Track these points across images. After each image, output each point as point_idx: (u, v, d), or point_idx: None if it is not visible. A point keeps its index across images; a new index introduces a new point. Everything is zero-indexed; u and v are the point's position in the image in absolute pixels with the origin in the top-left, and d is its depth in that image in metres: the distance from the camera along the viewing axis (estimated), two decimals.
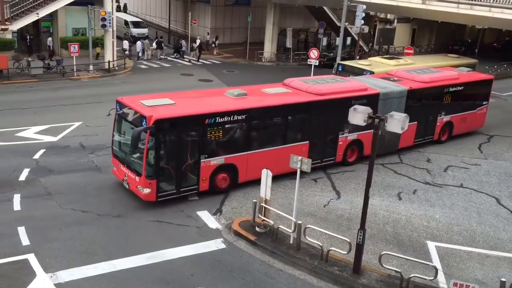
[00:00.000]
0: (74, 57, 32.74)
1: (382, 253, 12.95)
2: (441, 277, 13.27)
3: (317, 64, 30.33)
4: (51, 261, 12.87)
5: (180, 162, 16.24)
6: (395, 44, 52.36)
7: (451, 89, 23.43)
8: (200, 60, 42.52)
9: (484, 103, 25.70)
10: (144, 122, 15.33)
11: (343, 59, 37.76)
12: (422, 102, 22.42)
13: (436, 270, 12.38)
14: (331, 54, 42.03)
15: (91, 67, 34.89)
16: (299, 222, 13.80)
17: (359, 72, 25.71)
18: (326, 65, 38.41)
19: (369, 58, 31.96)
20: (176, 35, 51.19)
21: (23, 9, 33.19)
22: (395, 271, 12.68)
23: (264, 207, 14.50)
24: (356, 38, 41.76)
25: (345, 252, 13.15)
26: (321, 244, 13.64)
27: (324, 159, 19.78)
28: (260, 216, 14.64)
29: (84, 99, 27.73)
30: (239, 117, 17.03)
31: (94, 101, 27.07)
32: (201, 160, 16.48)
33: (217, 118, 16.48)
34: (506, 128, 27.73)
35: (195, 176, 16.59)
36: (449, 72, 24.77)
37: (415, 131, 22.43)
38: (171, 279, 12.59)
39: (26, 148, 20.14)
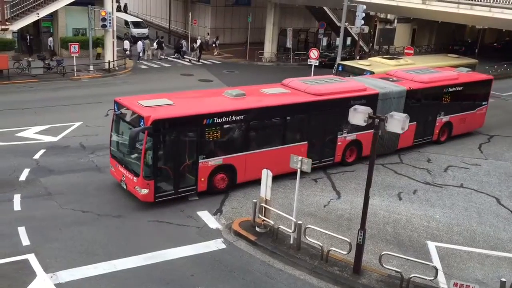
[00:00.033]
0: (75, 57, 32.75)
1: (382, 253, 12.95)
2: (441, 277, 13.27)
3: (317, 64, 30.33)
4: (51, 261, 12.87)
5: (178, 163, 16.20)
6: (395, 44, 52.40)
7: (450, 89, 23.41)
8: (200, 60, 42.51)
9: (483, 103, 25.67)
10: (142, 123, 15.29)
11: (344, 59, 37.81)
12: (421, 102, 22.38)
13: (436, 270, 12.38)
14: (332, 54, 42.03)
15: (91, 67, 34.91)
16: (299, 222, 13.80)
17: (359, 72, 25.71)
18: (327, 65, 38.42)
19: (369, 58, 31.97)
20: (176, 35, 51.20)
21: (23, 9, 33.25)
22: (395, 271, 12.68)
23: (264, 207, 14.50)
24: (356, 38, 41.77)
25: (345, 252, 13.15)
26: (321, 244, 13.64)
27: (322, 159, 19.76)
28: (260, 216, 14.64)
29: (84, 99, 27.74)
30: (238, 118, 16.99)
31: (94, 101, 27.07)
32: (199, 161, 16.44)
33: (215, 118, 16.45)
34: (506, 128, 27.72)
35: (193, 176, 16.55)
36: (449, 72, 24.74)
37: (414, 132, 22.39)
38: (171, 279, 12.59)
39: (26, 148, 20.15)
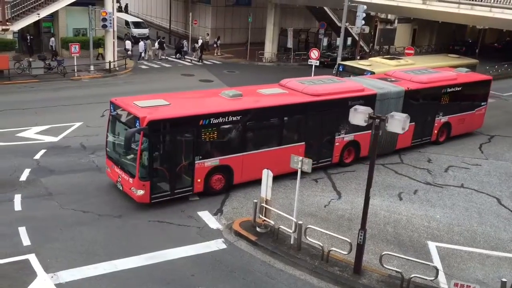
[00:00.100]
0: (75, 57, 32.76)
1: (383, 253, 12.95)
2: (441, 278, 13.26)
3: (317, 64, 30.32)
4: (52, 261, 12.88)
5: (174, 164, 16.11)
6: (396, 44, 52.41)
7: (449, 90, 23.34)
8: (201, 60, 42.50)
9: (482, 103, 25.59)
10: (137, 123, 15.21)
11: (346, 59, 37.85)
12: (420, 102, 22.27)
13: (437, 270, 12.38)
14: (335, 54, 41.99)
15: (91, 68, 34.93)
16: (300, 222, 13.80)
17: (360, 72, 25.70)
18: (329, 65, 38.37)
19: (369, 59, 31.96)
20: (177, 36, 51.21)
21: (24, 10, 33.28)
22: (396, 271, 12.68)
23: (265, 207, 14.50)
24: (357, 38, 41.79)
25: (346, 253, 13.15)
26: (321, 245, 13.64)
27: (320, 160, 19.64)
28: (260, 216, 14.64)
29: (85, 100, 27.74)
30: (234, 118, 16.92)
31: (95, 102, 27.07)
32: (196, 162, 16.35)
33: (212, 119, 16.37)
34: (507, 128, 27.70)
35: (190, 177, 16.46)
36: (447, 73, 24.68)
37: (413, 132, 22.26)
38: (172, 279, 12.59)
39: (27, 149, 20.16)
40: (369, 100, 19.59)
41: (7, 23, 32.31)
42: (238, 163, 17.37)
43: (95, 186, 17.38)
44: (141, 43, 41.68)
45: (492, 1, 31.22)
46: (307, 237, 13.82)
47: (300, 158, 13.57)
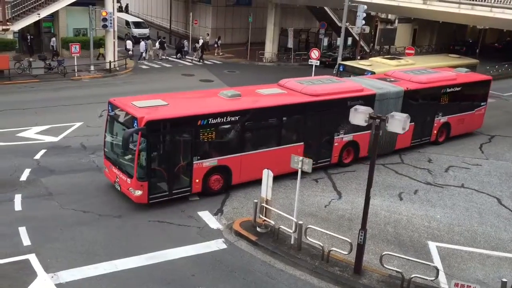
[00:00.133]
0: (75, 57, 32.77)
1: (383, 253, 12.95)
2: (442, 278, 13.26)
3: (318, 64, 30.33)
4: (52, 261, 12.88)
5: (172, 164, 16.06)
6: (396, 44, 52.42)
7: (448, 90, 23.30)
8: (202, 60, 42.50)
9: (482, 104, 25.55)
10: (135, 124, 15.16)
11: (347, 58, 37.85)
12: (419, 102, 22.21)
13: (437, 270, 12.37)
14: (336, 54, 42.01)
15: (92, 68, 34.94)
16: (300, 222, 13.79)
17: (360, 72, 25.69)
18: (331, 65, 38.34)
19: (370, 59, 31.96)
20: (177, 36, 51.21)
21: (24, 10, 33.28)
22: (396, 271, 12.67)
23: (265, 207, 14.49)
24: (357, 38, 41.79)
25: (346, 253, 13.15)
26: (322, 245, 13.64)
27: (319, 160, 19.52)
28: (261, 216, 14.63)
29: (85, 100, 27.74)
30: (233, 118, 16.87)
31: (95, 102, 27.06)
32: (194, 162, 16.30)
33: (210, 119, 16.32)
34: (507, 128, 27.69)
35: (188, 178, 16.42)
36: (447, 73, 24.63)
37: (412, 132, 22.20)
38: (172, 279, 12.59)
39: (27, 148, 20.16)
40: (368, 100, 19.52)
41: (8, 23, 32.32)
42: (236, 164, 17.33)
43: (95, 186, 17.37)
44: (142, 43, 41.70)
45: (492, 1, 31.20)
46: (308, 237, 13.82)
47: (301, 158, 13.56)
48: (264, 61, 44.20)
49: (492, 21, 33.07)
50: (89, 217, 15.33)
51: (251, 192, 17.48)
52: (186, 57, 43.37)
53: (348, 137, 20.18)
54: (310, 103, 18.75)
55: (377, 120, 12.19)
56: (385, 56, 32.43)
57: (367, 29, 41.92)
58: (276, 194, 16.90)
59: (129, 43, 41.27)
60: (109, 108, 16.82)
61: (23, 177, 17.67)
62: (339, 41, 36.11)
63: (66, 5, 35.19)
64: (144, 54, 41.23)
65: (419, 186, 19.36)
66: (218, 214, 16.09)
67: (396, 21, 52.64)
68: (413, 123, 21.57)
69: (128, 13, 58.84)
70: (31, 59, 33.41)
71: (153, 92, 22.17)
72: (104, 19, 34.32)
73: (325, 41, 48.43)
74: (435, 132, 23.67)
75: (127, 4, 63.89)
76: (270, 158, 17.72)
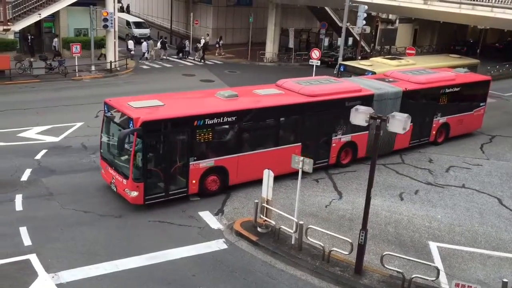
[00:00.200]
0: (76, 57, 32.79)
1: (384, 253, 12.95)
2: (443, 278, 13.25)
3: (318, 64, 30.34)
4: (53, 262, 12.89)
5: (168, 165, 15.98)
6: (397, 44, 52.39)
7: (447, 90, 23.24)
8: (203, 60, 42.51)
9: (481, 104, 25.48)
10: (131, 124, 15.10)
11: (349, 58, 37.82)
12: (418, 103, 22.12)
13: (438, 270, 12.37)
14: (338, 54, 42.07)
15: (93, 68, 34.96)
16: (301, 222, 13.79)
17: (361, 72, 25.69)
18: (333, 65, 38.26)
19: (371, 59, 31.96)
20: (178, 36, 51.24)
21: (25, 10, 33.30)
22: (397, 271, 12.67)
23: (266, 207, 14.49)
24: (358, 38, 41.79)
25: (347, 253, 13.15)
26: (322, 245, 13.63)
27: (317, 161, 19.17)
28: (261, 216, 14.64)
29: (86, 100, 27.75)
30: (229, 119, 16.80)
31: (96, 102, 26.99)
32: (190, 163, 16.25)
33: (207, 119, 16.24)
34: (508, 129, 27.68)
35: (184, 178, 16.34)
36: (446, 73, 24.57)
37: (411, 133, 22.07)
38: (173, 279, 12.60)
39: (28, 149, 20.17)
40: (366, 100, 19.43)
41: (8, 23, 32.34)
42: (233, 164, 17.26)
43: (96, 186, 17.37)
44: (144, 43, 41.76)
45: (493, 1, 31.18)
46: (308, 237, 13.82)
47: (301, 158, 13.56)
48: (265, 61, 44.21)
49: (493, 21, 33.06)
50: (89, 217, 15.33)
51: (252, 192, 17.49)
52: (189, 57, 43.37)
53: (346, 138, 20.13)
54: (307, 103, 18.69)
55: (377, 120, 12.19)
56: (386, 56, 32.42)
57: (368, 29, 41.91)
58: (276, 194, 16.90)
59: (130, 43, 41.28)
60: (105, 108, 16.75)
61: (24, 177, 17.68)
62: (340, 41, 36.12)
63: (67, 5, 35.21)
64: (146, 54, 41.28)
65: (420, 186, 19.35)
66: (219, 214, 16.09)
67: (397, 21, 52.62)
68: (411, 123, 21.53)
69: (129, 13, 58.85)
70: (32, 59, 33.44)
71: (153, 92, 22.16)
72: (105, 19, 34.32)
73: (326, 41, 48.42)
74: (434, 132, 23.62)
75: (128, 4, 63.92)
76: (267, 158, 17.63)
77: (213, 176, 16.98)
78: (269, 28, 44.57)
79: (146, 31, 48.48)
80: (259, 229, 14.76)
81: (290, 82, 20.00)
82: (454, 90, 23.54)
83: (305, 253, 13.76)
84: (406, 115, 12.03)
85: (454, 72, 25.07)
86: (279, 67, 43.03)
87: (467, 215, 17.28)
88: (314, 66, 29.87)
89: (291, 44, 45.10)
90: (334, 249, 13.45)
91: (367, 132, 20.05)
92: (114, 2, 35.08)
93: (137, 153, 15.28)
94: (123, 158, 15.97)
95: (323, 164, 19.87)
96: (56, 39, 38.23)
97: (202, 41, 43.52)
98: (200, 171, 16.54)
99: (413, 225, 16.24)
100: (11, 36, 33.84)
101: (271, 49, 44.77)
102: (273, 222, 14.54)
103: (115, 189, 16.32)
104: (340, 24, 43.67)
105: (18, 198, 16.09)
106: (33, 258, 12.98)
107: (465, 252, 14.86)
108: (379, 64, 27.40)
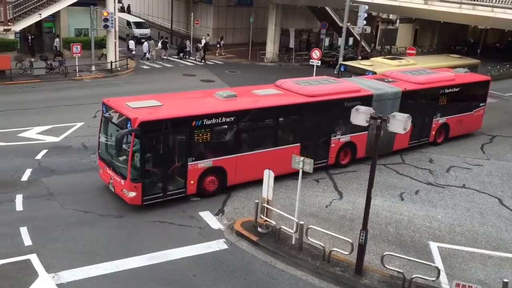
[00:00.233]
0: (77, 57, 32.80)
1: (384, 253, 12.95)
2: (443, 278, 13.25)
3: (319, 64, 30.33)
4: (53, 262, 12.89)
5: (166, 165, 15.95)
6: (397, 44, 52.41)
7: (447, 91, 23.19)
8: (204, 60, 42.50)
9: (481, 104, 25.44)
10: (129, 124, 15.07)
11: (350, 58, 37.80)
12: (417, 103, 22.05)
13: (438, 270, 12.36)
14: (339, 54, 42.05)
15: (93, 68, 34.97)
16: (301, 222, 13.79)
17: (361, 72, 25.66)
18: (334, 65, 38.18)
19: (371, 59, 31.96)
20: (178, 36, 51.25)
21: (25, 10, 33.30)
22: (397, 271, 12.68)
23: (266, 207, 14.49)
24: (358, 38, 41.79)
25: (347, 253, 13.15)
26: (323, 245, 13.63)
27: (316, 161, 19.18)
28: (262, 216, 14.63)
29: (87, 100, 27.74)
30: (228, 119, 16.76)
31: (96, 102, 26.92)
32: (189, 163, 16.22)
33: (205, 120, 16.20)
34: (508, 129, 27.67)
35: (182, 179, 16.31)
36: (445, 73, 24.52)
37: (410, 133, 21.98)
38: (173, 279, 12.60)
39: (28, 149, 20.17)
40: (365, 100, 19.35)
41: (9, 23, 32.33)
42: (231, 165, 17.23)
43: (97, 186, 17.37)
44: (145, 43, 41.77)
45: (494, 1, 31.16)
46: (309, 237, 13.82)
47: (302, 158, 13.55)
48: (266, 61, 44.21)
49: (494, 21, 33.03)
50: (90, 217, 15.34)
51: (252, 192, 17.49)
52: (189, 57, 43.37)
53: (345, 138, 20.09)
54: (306, 103, 18.65)
55: (378, 120, 12.19)
56: (386, 56, 32.40)
57: (368, 29, 41.87)
58: (277, 194, 16.90)
59: (131, 43, 41.28)
60: (103, 108, 16.72)
61: (25, 177, 17.69)
62: (340, 41, 36.12)
63: (68, 5, 35.20)
64: (147, 55, 41.29)
65: (420, 186, 19.34)
66: (219, 214, 16.09)
67: (398, 21, 52.65)
68: (411, 124, 21.50)
69: (129, 13, 58.87)
70: (32, 59, 33.45)
71: (154, 92, 22.17)
72: (105, 19, 34.33)
73: (326, 41, 48.43)
74: (433, 133, 23.58)
75: (129, 4, 63.94)
76: (266, 159, 17.58)
77: (212, 177, 16.96)
78: (269, 28, 44.58)
79: (147, 31, 48.50)
80: (259, 229, 14.76)
81: (289, 82, 19.97)
82: (454, 90, 23.50)
83: (305, 253, 13.76)
84: (406, 115, 12.03)
85: (453, 72, 25.03)
86: (279, 67, 43.03)
87: (467, 215, 17.27)
88: (315, 66, 29.86)
89: (291, 44, 45.11)
90: (335, 249, 13.45)
91: (366, 132, 20.04)
92: (114, 2, 35.09)
93: (135, 154, 15.25)
94: (121, 158, 15.94)
95: (322, 164, 19.85)
96: (57, 39, 38.25)
97: (203, 41, 43.51)
98: (198, 171, 16.52)
99: (414, 225, 16.23)
100: (11, 36, 33.86)
101: (271, 49, 44.78)
102: (274, 222, 14.54)
103: (113, 190, 16.30)
104: (340, 24, 43.68)
105: (19, 198, 16.10)
106: (34, 258, 12.98)
107: (465, 252, 14.85)
108: (380, 64, 27.38)
